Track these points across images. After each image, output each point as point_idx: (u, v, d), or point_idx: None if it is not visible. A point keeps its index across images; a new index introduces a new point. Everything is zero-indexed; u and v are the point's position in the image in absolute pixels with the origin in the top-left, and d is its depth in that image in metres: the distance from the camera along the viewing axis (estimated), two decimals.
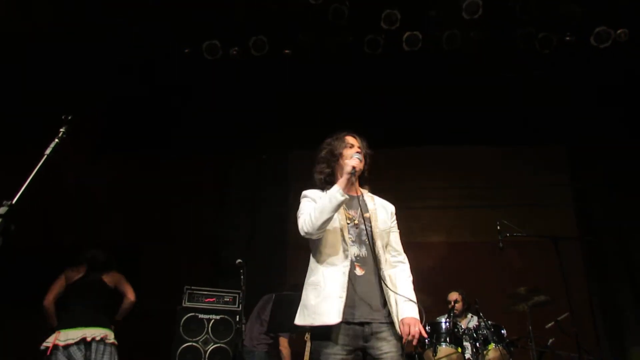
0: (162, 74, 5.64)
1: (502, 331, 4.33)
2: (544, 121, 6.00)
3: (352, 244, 2.32)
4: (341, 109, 5.99)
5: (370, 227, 2.37)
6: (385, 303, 2.26)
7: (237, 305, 4.34)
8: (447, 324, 4.30)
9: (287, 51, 5.41)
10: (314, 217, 2.25)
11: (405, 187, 6.26)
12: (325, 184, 2.45)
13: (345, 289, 2.21)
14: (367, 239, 2.34)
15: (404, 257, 2.50)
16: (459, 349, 4.19)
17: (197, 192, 6.05)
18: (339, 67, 5.63)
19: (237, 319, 3.90)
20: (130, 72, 5.57)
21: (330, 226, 2.30)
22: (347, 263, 2.26)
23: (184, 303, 4.35)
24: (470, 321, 4.75)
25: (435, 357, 4.15)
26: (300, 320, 2.31)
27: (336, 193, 2.24)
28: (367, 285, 2.27)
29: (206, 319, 4.27)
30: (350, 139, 2.55)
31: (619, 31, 5.13)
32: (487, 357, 4.15)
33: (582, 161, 6.23)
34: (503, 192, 6.14)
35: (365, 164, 2.47)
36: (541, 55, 5.36)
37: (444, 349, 4.19)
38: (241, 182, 6.22)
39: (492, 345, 4.18)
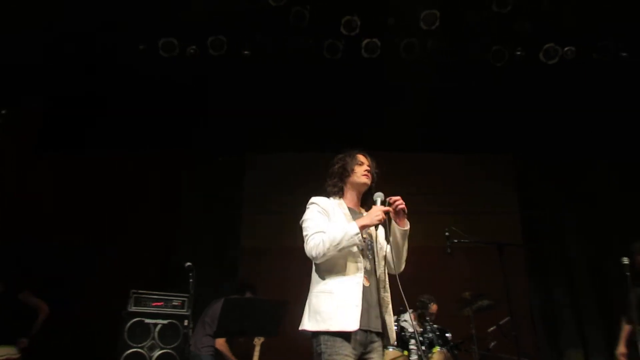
0: (117, 70, 5.50)
1: (447, 335, 4.48)
2: (493, 130, 6.22)
3: (362, 257, 2.47)
4: (299, 112, 6.02)
5: (373, 243, 2.57)
6: (381, 314, 2.45)
7: (185, 310, 4.24)
8: (395, 327, 4.38)
9: (246, 52, 5.38)
10: (325, 248, 2.36)
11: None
12: (334, 195, 2.65)
13: (360, 299, 2.35)
14: (371, 254, 2.54)
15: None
16: (405, 352, 4.29)
17: (146, 194, 5.89)
18: (298, 70, 5.64)
19: (185, 324, 3.84)
20: (72, 68, 5.40)
21: None
22: (361, 274, 2.42)
23: (130, 307, 4.19)
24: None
25: None
26: (312, 325, 2.37)
27: (354, 237, 2.36)
28: (371, 296, 2.43)
29: (152, 323, 4.14)
30: (361, 158, 2.71)
31: (566, 49, 5.40)
32: (431, 359, 4.27)
33: (528, 170, 6.48)
34: (454, 198, 6.30)
35: (372, 182, 2.67)
36: (494, 67, 5.56)
37: (391, 352, 4.28)
38: (194, 184, 6.10)
39: (436, 348, 4.31)
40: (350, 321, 2.28)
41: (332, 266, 2.43)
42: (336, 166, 2.70)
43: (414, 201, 6.48)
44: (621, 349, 4.31)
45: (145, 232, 5.68)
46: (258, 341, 4.01)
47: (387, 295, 2.52)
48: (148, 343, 4.11)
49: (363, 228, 2.39)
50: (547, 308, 5.88)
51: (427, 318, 4.47)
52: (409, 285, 5.49)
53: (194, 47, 5.25)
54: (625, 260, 3.93)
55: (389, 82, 5.80)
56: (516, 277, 5.05)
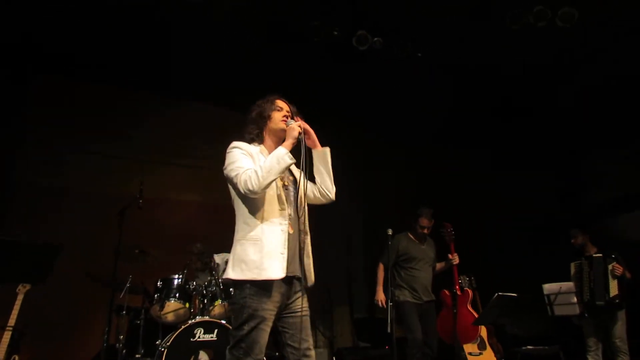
0: None
1: (231, 289, 4.63)
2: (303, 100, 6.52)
3: (287, 204, 2.44)
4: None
5: (297, 190, 2.52)
6: (301, 262, 2.41)
7: None
8: (180, 280, 4.39)
9: None
10: (261, 177, 2.28)
11: (167, 139, 6.13)
12: (253, 142, 2.55)
13: (286, 246, 2.34)
14: (294, 200, 2.50)
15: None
16: (187, 304, 4.34)
17: None
18: None
19: None
20: None
21: None
22: (285, 221, 2.39)
23: None
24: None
25: (162, 312, 4.22)
26: (237, 274, 2.30)
27: (285, 156, 2.33)
28: (295, 243, 2.41)
29: None
30: (280, 103, 2.64)
31: (375, 39, 5.89)
32: (212, 312, 4.40)
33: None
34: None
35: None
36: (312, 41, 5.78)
37: (172, 304, 4.28)
38: None
39: (218, 302, 4.44)
40: (276, 269, 2.27)
41: (256, 213, 2.38)
42: (253, 113, 2.63)
43: (218, 158, 6.54)
44: (380, 295, 4.84)
45: None
46: (23, 289, 3.62)
47: (307, 238, 2.51)
48: None
49: (289, 147, 2.38)
50: (323, 267, 6.52)
51: (214, 272, 4.56)
52: (208, 239, 5.52)
53: None
54: (390, 232, 4.50)
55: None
56: None
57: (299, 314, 2.38)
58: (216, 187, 6.17)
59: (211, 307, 4.39)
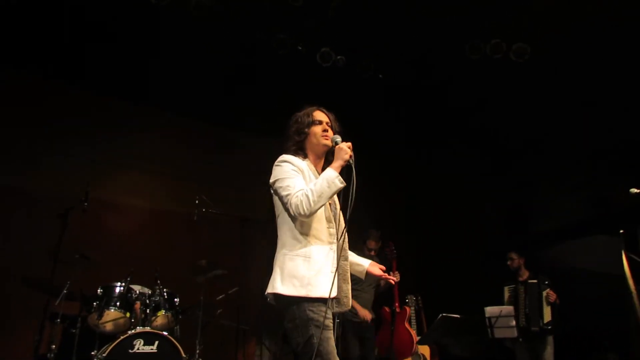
0: None
1: (175, 299, 4.49)
2: (260, 112, 6.51)
3: (332, 222, 2.39)
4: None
5: (336, 207, 2.46)
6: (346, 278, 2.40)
7: None
8: (122, 288, 4.21)
9: None
10: (312, 201, 2.21)
11: (117, 142, 5.94)
12: (298, 155, 2.45)
13: (335, 266, 2.28)
14: (336, 218, 2.43)
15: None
16: (127, 314, 4.16)
17: None
18: None
19: None
20: None
21: None
22: (334, 240, 2.35)
23: None
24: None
25: (100, 321, 4.02)
26: (288, 290, 2.21)
27: (335, 179, 2.24)
28: (337, 263, 2.33)
29: None
30: (318, 115, 2.52)
31: (338, 57, 5.97)
32: (154, 322, 4.24)
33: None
34: (213, 169, 6.39)
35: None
36: (276, 54, 5.78)
37: (112, 312, 4.09)
38: None
39: (161, 312, 4.29)
40: (327, 287, 2.20)
41: (307, 230, 2.31)
42: (292, 128, 2.52)
43: (171, 163, 6.42)
44: None
45: None
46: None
47: (346, 264, 2.42)
48: None
49: (338, 169, 2.28)
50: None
51: (159, 281, 4.40)
52: (157, 246, 5.39)
53: None
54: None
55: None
56: (254, 252, 5.39)
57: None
58: (167, 194, 6.12)
59: (153, 318, 4.23)
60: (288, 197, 2.28)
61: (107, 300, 4.08)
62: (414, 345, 5.12)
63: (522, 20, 5.26)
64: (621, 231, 7.21)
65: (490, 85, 6.17)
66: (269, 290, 2.30)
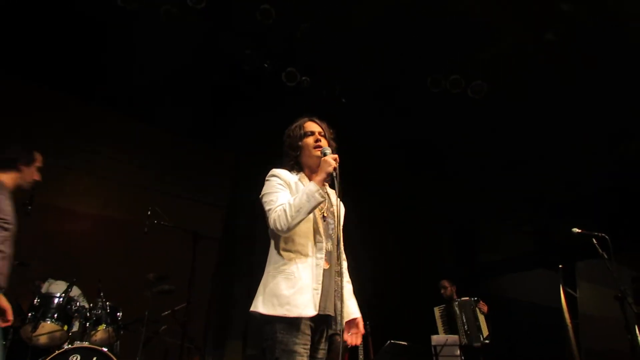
0: None
1: (118, 313, 4.31)
2: (223, 124, 6.45)
3: (324, 236, 2.29)
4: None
5: (335, 222, 2.36)
6: (334, 298, 2.27)
7: None
8: (62, 299, 4.00)
9: None
10: (289, 216, 2.15)
11: (66, 145, 5.71)
12: (293, 170, 2.41)
13: (320, 282, 2.20)
14: (333, 234, 2.34)
15: (346, 262, 2.50)
16: (65, 327, 3.94)
17: None
18: None
19: None
20: None
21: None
22: (322, 255, 2.25)
23: None
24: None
25: (34, 333, 3.79)
26: (267, 309, 2.15)
27: (315, 194, 2.16)
28: (330, 279, 2.26)
29: None
30: (309, 126, 2.47)
31: (304, 77, 6.02)
32: (93, 337, 4.04)
33: (248, 169, 6.89)
34: (168, 180, 6.24)
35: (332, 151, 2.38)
36: (243, 70, 5.76)
37: (48, 325, 3.86)
38: None
39: (102, 326, 4.09)
40: (309, 307, 2.13)
41: (291, 245, 2.24)
42: (286, 144, 2.47)
43: (124, 170, 6.23)
44: None
45: None
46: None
47: (340, 280, 2.28)
48: None
49: (321, 182, 2.21)
50: (224, 302, 6.32)
51: (102, 294, 4.21)
52: (104, 256, 5.17)
53: None
54: None
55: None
56: (206, 268, 5.27)
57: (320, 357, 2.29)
58: (117, 202, 5.90)
59: (93, 332, 4.03)
60: (269, 212, 2.25)
61: (44, 311, 3.85)
62: None
63: (481, 60, 5.51)
64: (560, 266, 7.60)
65: (448, 119, 6.38)
66: (252, 308, 2.25)
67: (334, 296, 2.27)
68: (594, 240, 3.57)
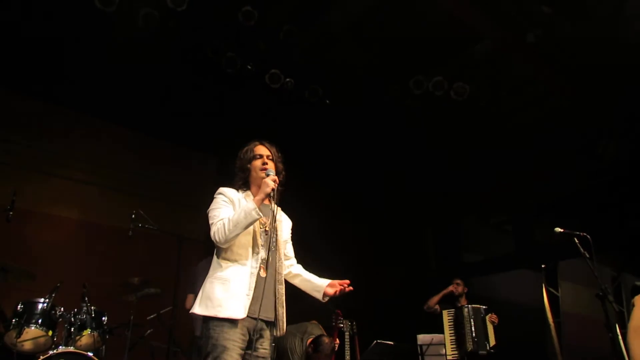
0: None
1: (103, 318, 4.26)
2: (207, 130, 6.42)
3: (262, 248, 2.54)
4: None
5: (276, 236, 2.63)
6: (274, 304, 2.54)
7: None
8: (45, 305, 3.94)
9: None
10: (227, 230, 2.41)
11: (49, 148, 5.64)
12: (241, 189, 2.68)
13: (252, 288, 2.44)
14: (273, 246, 2.59)
15: (295, 261, 2.89)
16: (50, 332, 3.89)
17: None
18: None
19: None
20: None
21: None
22: (257, 265, 2.49)
23: None
24: None
25: (19, 339, 3.73)
26: (202, 310, 2.42)
27: (252, 211, 2.41)
28: (267, 287, 2.50)
29: None
30: (259, 149, 2.73)
31: (287, 79, 6.03)
32: (78, 342, 3.99)
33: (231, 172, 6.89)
34: (151, 184, 6.19)
35: (276, 173, 2.65)
36: (225, 72, 5.74)
37: (32, 330, 3.81)
38: None
39: (87, 331, 4.05)
40: (239, 310, 2.37)
41: (230, 255, 2.50)
42: (237, 165, 2.73)
43: (105, 174, 6.16)
44: None
45: None
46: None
47: (281, 288, 2.59)
48: None
49: (259, 202, 2.45)
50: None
51: (87, 298, 4.17)
52: (87, 261, 5.10)
53: None
54: None
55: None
56: (190, 271, 5.23)
57: (260, 356, 2.48)
58: (100, 206, 5.84)
59: (78, 337, 3.98)
60: (211, 225, 2.52)
61: (28, 317, 3.80)
62: None
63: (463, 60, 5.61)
64: (543, 266, 7.72)
65: (438, 118, 6.48)
66: (191, 310, 2.52)
67: (275, 303, 2.56)
68: (576, 239, 3.56)
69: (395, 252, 7.46)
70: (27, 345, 3.81)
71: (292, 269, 2.84)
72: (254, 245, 2.55)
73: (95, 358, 3.79)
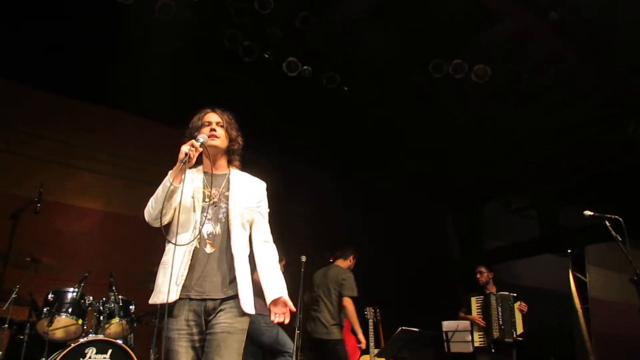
0: None
1: (131, 306, 4.33)
2: None
3: (207, 222, 2.31)
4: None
5: (227, 205, 2.36)
6: (233, 279, 2.28)
7: None
8: (75, 294, 4.03)
9: None
10: (150, 207, 2.29)
11: (74, 141, 5.75)
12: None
13: (187, 267, 2.22)
14: (224, 217, 2.35)
15: (269, 237, 2.48)
16: (80, 321, 3.98)
17: None
18: None
19: None
20: None
21: (182, 207, 2.29)
22: (195, 242, 2.26)
23: None
24: None
25: (50, 328, 3.83)
26: (151, 299, 2.28)
27: (165, 181, 2.24)
28: (215, 262, 2.28)
29: None
30: (208, 117, 2.47)
31: (305, 67, 5.99)
32: (107, 330, 4.07)
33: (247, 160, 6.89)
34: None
35: (230, 140, 2.45)
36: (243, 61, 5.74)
37: (63, 319, 3.90)
38: None
39: (115, 319, 4.12)
40: (171, 293, 2.15)
41: (171, 236, 2.26)
42: (186, 133, 2.46)
43: (128, 166, 6.24)
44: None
45: None
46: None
47: (241, 261, 2.30)
48: None
49: (174, 172, 2.24)
50: None
51: (114, 287, 4.25)
52: (110, 252, 5.19)
53: None
54: (304, 259, 4.56)
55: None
56: None
57: (218, 331, 2.22)
58: (124, 197, 5.92)
59: (107, 325, 4.06)
60: None
61: (59, 305, 3.89)
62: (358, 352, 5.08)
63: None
64: (569, 251, 7.57)
65: (449, 105, 6.39)
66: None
67: (233, 278, 2.27)
68: (607, 222, 3.40)
69: (420, 236, 7.38)
70: (59, 334, 3.90)
71: (257, 254, 2.44)
72: (194, 220, 2.29)
73: (124, 345, 3.85)
